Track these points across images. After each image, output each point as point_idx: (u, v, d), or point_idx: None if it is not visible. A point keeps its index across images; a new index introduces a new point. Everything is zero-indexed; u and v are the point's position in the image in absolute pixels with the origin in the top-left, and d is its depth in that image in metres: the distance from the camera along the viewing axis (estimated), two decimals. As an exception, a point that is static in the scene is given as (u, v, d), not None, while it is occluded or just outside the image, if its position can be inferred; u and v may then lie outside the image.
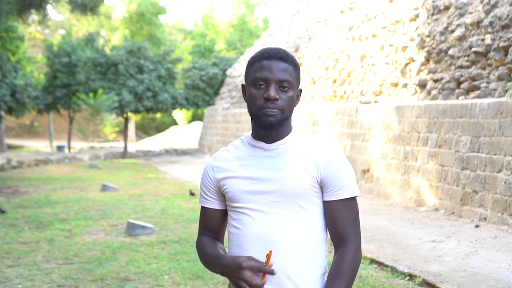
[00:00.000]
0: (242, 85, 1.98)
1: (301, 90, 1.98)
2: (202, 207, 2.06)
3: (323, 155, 1.90)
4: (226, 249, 2.03)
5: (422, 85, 10.48)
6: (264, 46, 19.71)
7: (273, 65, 1.88)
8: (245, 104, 1.98)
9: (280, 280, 1.86)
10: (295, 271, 1.86)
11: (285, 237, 1.87)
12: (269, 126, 1.89)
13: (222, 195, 2.00)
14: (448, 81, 9.71)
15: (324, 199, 1.92)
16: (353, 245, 1.89)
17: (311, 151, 1.91)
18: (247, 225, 1.90)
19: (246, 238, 1.89)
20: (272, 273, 1.80)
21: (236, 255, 1.91)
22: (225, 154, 2.01)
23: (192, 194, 11.05)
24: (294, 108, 1.96)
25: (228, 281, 2.02)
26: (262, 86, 1.88)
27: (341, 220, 1.90)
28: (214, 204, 2.02)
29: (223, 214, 2.04)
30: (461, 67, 9.52)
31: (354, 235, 1.91)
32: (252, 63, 1.93)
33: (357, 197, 1.94)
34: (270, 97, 1.85)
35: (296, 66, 1.93)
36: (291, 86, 1.89)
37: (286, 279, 1.86)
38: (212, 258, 1.95)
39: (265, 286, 1.85)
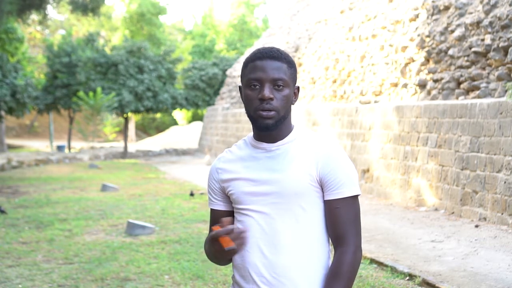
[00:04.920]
0: (239, 87, 1.97)
1: (298, 87, 1.96)
2: (211, 209, 2.06)
3: (322, 153, 1.88)
4: None
5: (422, 85, 10.48)
6: (264, 46, 19.68)
7: (266, 64, 1.87)
8: None
9: (283, 281, 1.85)
10: (297, 273, 1.85)
11: (286, 238, 1.86)
12: (266, 128, 1.88)
13: (228, 197, 2.00)
14: (448, 81, 9.71)
15: (324, 198, 1.90)
16: (352, 245, 1.87)
17: (311, 150, 1.90)
18: (249, 226, 1.90)
19: (249, 240, 1.88)
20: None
21: (239, 255, 1.91)
22: (229, 156, 2.01)
23: (191, 194, 11.01)
24: (292, 106, 1.94)
25: (231, 282, 2.01)
26: (257, 87, 1.87)
27: (340, 219, 1.88)
28: (220, 205, 2.02)
29: (230, 215, 2.02)
30: (461, 67, 9.53)
31: (353, 235, 1.88)
32: (246, 65, 1.92)
33: (358, 196, 1.92)
34: (264, 97, 1.84)
35: (290, 64, 1.91)
36: (286, 84, 1.88)
37: (288, 281, 1.85)
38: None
39: None
